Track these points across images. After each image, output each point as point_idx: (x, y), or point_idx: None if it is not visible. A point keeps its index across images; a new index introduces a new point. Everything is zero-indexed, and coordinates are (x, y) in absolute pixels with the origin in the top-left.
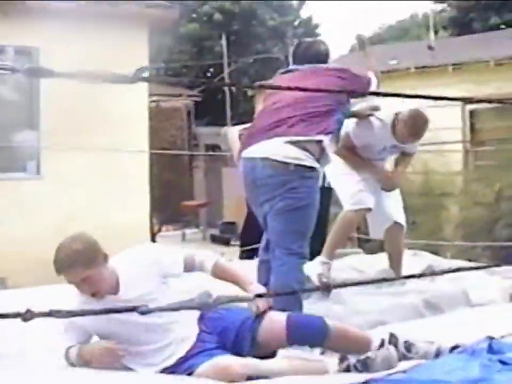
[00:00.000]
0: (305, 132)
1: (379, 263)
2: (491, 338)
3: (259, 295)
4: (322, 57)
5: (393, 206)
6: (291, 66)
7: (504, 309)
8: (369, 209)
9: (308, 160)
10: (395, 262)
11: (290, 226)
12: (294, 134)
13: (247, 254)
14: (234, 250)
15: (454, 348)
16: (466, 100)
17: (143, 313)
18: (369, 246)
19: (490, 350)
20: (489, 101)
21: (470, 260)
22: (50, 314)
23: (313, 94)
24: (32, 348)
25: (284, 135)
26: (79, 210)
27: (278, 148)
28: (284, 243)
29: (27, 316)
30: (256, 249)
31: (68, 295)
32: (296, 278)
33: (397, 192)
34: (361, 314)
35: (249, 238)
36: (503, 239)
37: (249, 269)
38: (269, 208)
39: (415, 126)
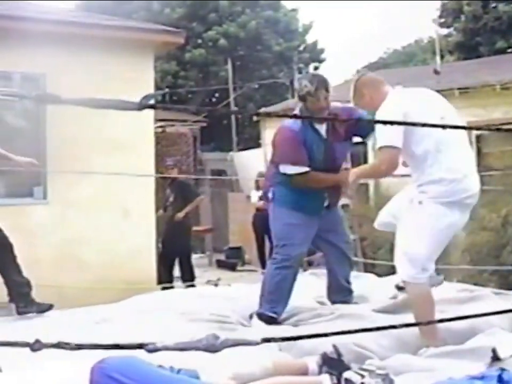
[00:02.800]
0: None
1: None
2: (503, 369)
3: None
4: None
5: None
6: None
7: (502, 334)
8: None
9: None
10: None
11: None
12: None
13: None
14: (240, 275)
15: None
16: (472, 128)
17: (149, 351)
18: (376, 270)
19: (500, 379)
20: (497, 129)
21: (477, 285)
22: (58, 345)
23: None
24: None
25: None
26: (85, 235)
27: None
28: None
29: (35, 346)
30: None
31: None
32: None
33: None
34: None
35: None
36: (511, 264)
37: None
38: None
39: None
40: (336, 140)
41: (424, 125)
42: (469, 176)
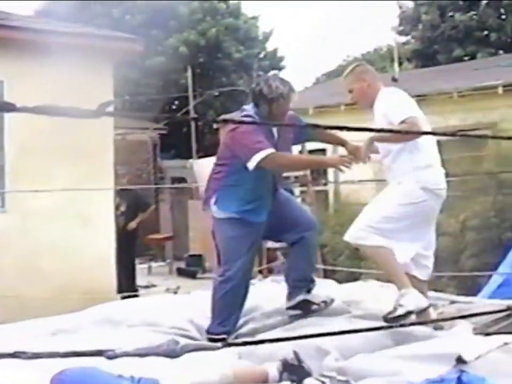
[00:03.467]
0: None
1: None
2: (462, 371)
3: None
4: (256, 99)
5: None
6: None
7: (467, 338)
8: None
9: None
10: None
11: None
12: None
13: None
14: (200, 283)
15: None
16: (426, 133)
17: (109, 358)
18: (336, 277)
19: (459, 381)
20: (452, 134)
21: (436, 290)
22: (14, 355)
23: None
24: None
25: None
26: (45, 244)
27: None
28: None
29: None
30: None
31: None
32: None
33: None
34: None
35: None
36: (469, 270)
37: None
38: None
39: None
40: (284, 144)
41: (390, 130)
42: (440, 171)
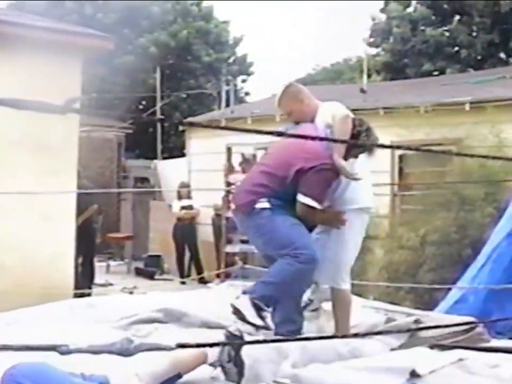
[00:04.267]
0: None
1: None
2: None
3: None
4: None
5: None
6: None
7: (422, 352)
8: None
9: None
10: None
11: None
12: None
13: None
14: (157, 284)
15: None
16: (393, 147)
17: (63, 353)
18: None
19: None
20: (416, 149)
21: (393, 303)
22: None
23: None
24: None
25: None
26: (3, 238)
27: None
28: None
29: None
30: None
31: None
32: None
33: None
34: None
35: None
36: (427, 283)
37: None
38: None
39: None
40: None
41: (350, 142)
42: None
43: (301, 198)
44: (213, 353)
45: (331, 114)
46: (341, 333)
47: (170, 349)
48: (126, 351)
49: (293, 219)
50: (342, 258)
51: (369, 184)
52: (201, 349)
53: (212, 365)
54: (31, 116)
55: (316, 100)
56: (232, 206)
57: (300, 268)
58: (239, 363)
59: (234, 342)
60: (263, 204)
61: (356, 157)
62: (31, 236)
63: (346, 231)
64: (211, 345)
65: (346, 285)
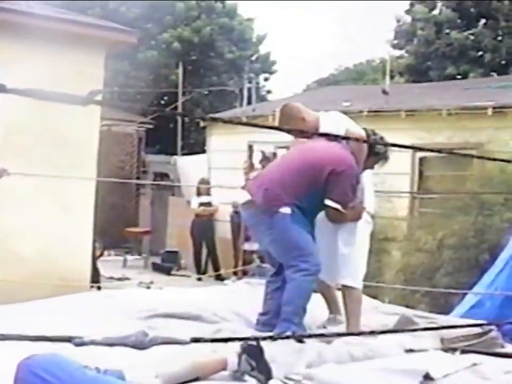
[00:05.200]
0: None
1: None
2: None
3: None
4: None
5: None
6: None
7: (436, 355)
8: None
9: None
10: (332, 302)
11: None
12: None
13: None
14: (173, 279)
15: None
16: (415, 149)
17: (77, 345)
18: None
19: None
20: (439, 151)
21: (408, 306)
22: None
23: None
24: None
25: None
26: (22, 229)
27: None
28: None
29: None
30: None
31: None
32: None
33: None
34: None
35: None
36: (443, 287)
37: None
38: None
39: None
40: None
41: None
42: None
43: (330, 202)
44: (233, 361)
45: (343, 129)
46: (352, 331)
47: (185, 343)
48: (141, 344)
49: (307, 228)
50: (352, 256)
51: (372, 191)
52: (222, 356)
53: (234, 375)
54: (53, 109)
55: (311, 112)
56: (245, 197)
57: (306, 280)
58: (264, 369)
59: (248, 337)
60: (287, 209)
61: (372, 167)
62: (50, 227)
63: (356, 231)
64: (226, 340)
65: (356, 284)
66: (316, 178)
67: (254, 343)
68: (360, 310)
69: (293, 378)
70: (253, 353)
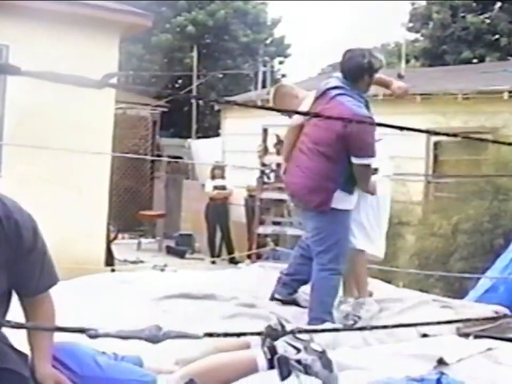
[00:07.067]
0: None
1: None
2: (442, 373)
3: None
4: (360, 72)
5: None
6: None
7: (451, 340)
8: None
9: None
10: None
11: None
12: None
13: None
14: (187, 262)
15: None
16: (431, 133)
17: (91, 336)
18: None
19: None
20: (455, 135)
21: (422, 290)
22: None
23: None
24: None
25: None
26: (37, 211)
27: None
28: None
29: None
30: None
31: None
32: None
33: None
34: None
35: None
36: (457, 271)
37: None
38: None
39: None
40: None
41: (386, 125)
42: None
43: (355, 160)
44: (256, 341)
45: None
46: (362, 293)
47: (197, 337)
48: (154, 338)
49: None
50: (362, 222)
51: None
52: (245, 339)
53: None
54: (68, 92)
55: (302, 90)
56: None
57: (334, 279)
58: (326, 363)
59: (259, 332)
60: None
61: (367, 90)
62: (65, 211)
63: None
64: (239, 334)
65: (363, 246)
66: (343, 146)
67: (278, 327)
68: (366, 271)
69: (302, 339)
70: (277, 336)
